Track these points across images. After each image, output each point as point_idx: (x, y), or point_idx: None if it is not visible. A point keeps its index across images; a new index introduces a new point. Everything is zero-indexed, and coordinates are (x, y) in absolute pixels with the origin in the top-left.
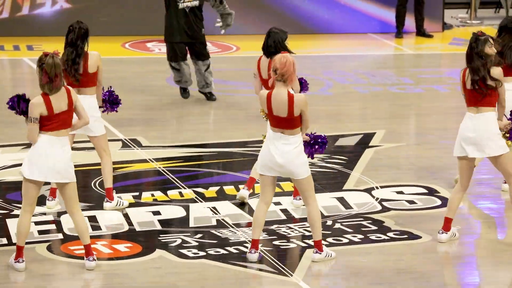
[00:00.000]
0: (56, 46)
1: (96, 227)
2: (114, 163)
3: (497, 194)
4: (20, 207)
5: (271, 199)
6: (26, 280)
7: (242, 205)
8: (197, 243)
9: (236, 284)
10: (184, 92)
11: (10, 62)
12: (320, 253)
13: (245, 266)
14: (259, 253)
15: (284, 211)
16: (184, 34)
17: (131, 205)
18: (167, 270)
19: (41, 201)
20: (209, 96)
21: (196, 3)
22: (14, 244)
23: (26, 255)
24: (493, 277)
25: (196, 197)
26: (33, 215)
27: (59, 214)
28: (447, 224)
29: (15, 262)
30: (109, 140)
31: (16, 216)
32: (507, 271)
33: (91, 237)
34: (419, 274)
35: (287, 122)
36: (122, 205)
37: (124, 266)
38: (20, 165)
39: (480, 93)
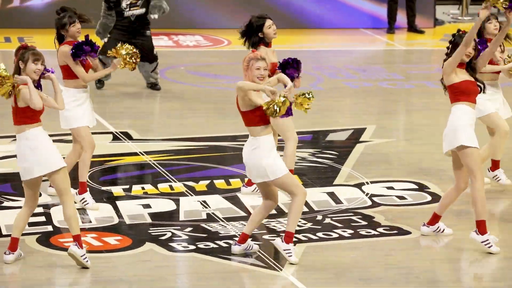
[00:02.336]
0: (47, 38)
1: (86, 220)
2: (104, 155)
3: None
4: (10, 199)
5: (271, 201)
6: (15, 272)
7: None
8: (187, 237)
9: (226, 278)
10: (99, 82)
11: (1, 54)
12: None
13: (235, 260)
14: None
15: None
16: (136, 38)
17: (121, 197)
18: (157, 263)
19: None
20: (153, 86)
21: (143, 10)
22: (4, 235)
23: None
24: (482, 272)
25: (186, 191)
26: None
27: (49, 206)
28: (433, 219)
29: (4, 253)
30: (100, 133)
31: (6, 208)
32: (496, 267)
33: (81, 229)
34: (409, 270)
35: (243, 118)
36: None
37: (114, 259)
38: (10, 156)
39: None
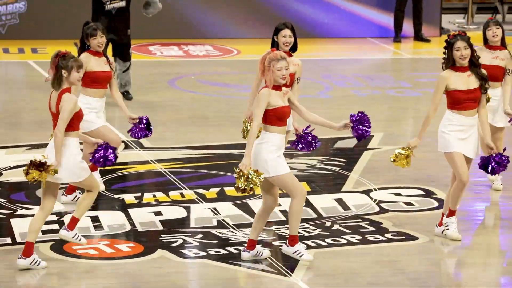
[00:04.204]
0: None
1: (98, 227)
2: (116, 164)
3: (497, 197)
4: (24, 207)
5: (270, 204)
6: (29, 280)
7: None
8: (198, 243)
9: (236, 284)
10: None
11: None
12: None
13: (245, 266)
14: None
15: (284, 212)
16: (114, 34)
17: (133, 205)
18: (168, 269)
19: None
20: (125, 95)
21: (123, 3)
22: (19, 243)
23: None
24: (489, 278)
25: (197, 198)
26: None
27: (62, 214)
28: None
29: (17, 257)
30: None
31: (20, 216)
32: (503, 273)
33: (94, 236)
34: (416, 275)
35: None
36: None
37: (126, 266)
38: (24, 165)
39: None
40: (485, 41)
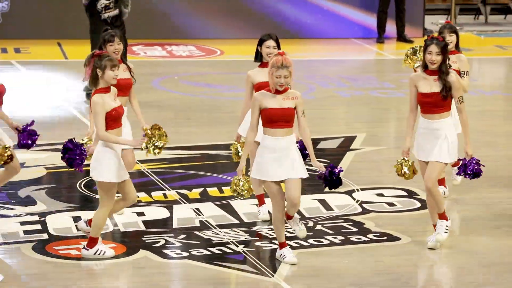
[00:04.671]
0: None
1: (81, 228)
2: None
3: (478, 197)
4: (5, 207)
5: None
6: (9, 280)
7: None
8: (180, 244)
9: (219, 284)
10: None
11: None
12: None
13: (228, 267)
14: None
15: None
16: None
17: None
18: (151, 270)
19: (27, 201)
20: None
21: (116, 11)
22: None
23: (10, 255)
24: (471, 279)
25: (179, 199)
26: (19, 215)
27: (44, 214)
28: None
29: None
30: None
31: (2, 216)
32: (486, 273)
33: (76, 237)
34: (398, 275)
35: None
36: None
37: (109, 266)
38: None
39: None
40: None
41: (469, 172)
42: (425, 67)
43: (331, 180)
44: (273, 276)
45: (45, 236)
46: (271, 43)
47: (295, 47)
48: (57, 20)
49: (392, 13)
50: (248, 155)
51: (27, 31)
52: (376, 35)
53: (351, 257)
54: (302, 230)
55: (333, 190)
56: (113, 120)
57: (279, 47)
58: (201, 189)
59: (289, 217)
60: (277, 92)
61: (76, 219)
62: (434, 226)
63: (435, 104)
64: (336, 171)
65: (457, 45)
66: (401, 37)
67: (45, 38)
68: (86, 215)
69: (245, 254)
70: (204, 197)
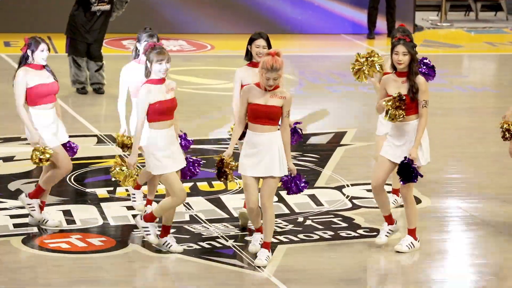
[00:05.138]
0: None
1: (70, 221)
2: (89, 158)
3: (466, 193)
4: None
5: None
6: (1, 272)
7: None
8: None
9: (208, 278)
10: (83, 89)
11: None
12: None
13: (217, 261)
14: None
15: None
16: (90, 34)
17: (105, 199)
18: (141, 264)
19: (16, 194)
20: (97, 90)
21: (107, 7)
22: None
23: (1, 248)
24: (461, 274)
25: None
26: (9, 209)
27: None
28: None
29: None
30: (85, 136)
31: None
32: (475, 268)
33: (66, 230)
34: (388, 271)
35: None
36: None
37: (98, 260)
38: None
39: None
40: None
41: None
42: (394, 68)
43: (290, 188)
44: (262, 270)
45: (35, 229)
46: (261, 42)
47: (285, 42)
48: (47, 13)
49: (383, 9)
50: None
51: (17, 24)
52: (367, 31)
53: (341, 252)
54: (254, 246)
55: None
56: (156, 113)
57: (269, 46)
58: (191, 184)
59: (258, 230)
60: (266, 89)
61: (66, 213)
62: (385, 217)
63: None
64: (301, 185)
65: None
66: (392, 33)
67: (35, 32)
68: (76, 209)
69: (234, 249)
70: (194, 192)
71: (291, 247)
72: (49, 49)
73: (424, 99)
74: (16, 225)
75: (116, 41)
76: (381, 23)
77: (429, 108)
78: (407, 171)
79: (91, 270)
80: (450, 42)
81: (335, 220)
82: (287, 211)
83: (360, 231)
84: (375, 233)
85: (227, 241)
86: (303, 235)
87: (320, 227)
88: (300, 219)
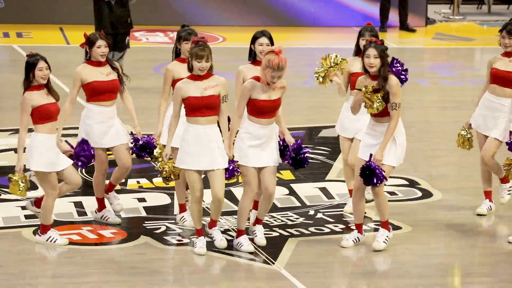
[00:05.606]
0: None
1: (82, 213)
2: None
3: (478, 187)
4: (6, 192)
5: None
6: (12, 263)
7: None
8: (181, 230)
9: (219, 271)
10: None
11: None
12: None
13: (229, 254)
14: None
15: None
16: (114, 26)
17: (116, 191)
18: (151, 256)
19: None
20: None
21: None
22: (1, 228)
23: (12, 239)
24: (473, 270)
25: None
26: (20, 200)
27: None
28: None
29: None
30: None
31: (3, 200)
32: (492, 265)
33: (77, 222)
34: (399, 265)
35: None
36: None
37: (109, 252)
38: (8, 150)
39: None
40: (359, 51)
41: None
42: (365, 71)
43: (296, 159)
44: (273, 264)
45: None
46: (264, 40)
47: (297, 35)
48: (60, 5)
49: (395, 2)
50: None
51: (29, 15)
52: (379, 24)
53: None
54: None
55: (298, 168)
56: (188, 108)
57: (272, 44)
58: (202, 176)
59: (257, 222)
60: (268, 83)
61: (77, 204)
62: (357, 225)
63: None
64: (302, 151)
65: None
66: (404, 26)
67: (48, 23)
68: (87, 200)
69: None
70: (205, 184)
71: (302, 240)
72: (108, 45)
73: (395, 101)
74: (27, 216)
75: None
76: (393, 16)
77: (440, 101)
78: (369, 174)
79: (102, 262)
80: (462, 35)
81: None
82: (298, 203)
83: (371, 224)
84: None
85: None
86: (314, 228)
87: (331, 220)
88: (311, 212)
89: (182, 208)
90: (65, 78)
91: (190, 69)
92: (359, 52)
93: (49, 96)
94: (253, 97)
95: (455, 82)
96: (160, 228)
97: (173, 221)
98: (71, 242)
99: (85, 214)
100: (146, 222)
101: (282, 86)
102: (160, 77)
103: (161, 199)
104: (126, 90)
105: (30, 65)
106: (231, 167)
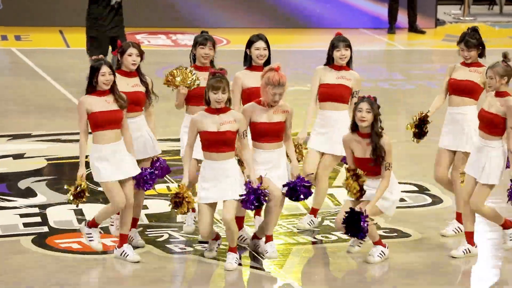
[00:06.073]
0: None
1: (82, 221)
2: None
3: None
4: (5, 199)
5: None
6: (10, 273)
7: None
8: (184, 238)
9: (223, 280)
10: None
11: None
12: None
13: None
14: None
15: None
16: (113, 29)
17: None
18: (154, 265)
19: (27, 193)
20: None
21: None
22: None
23: (10, 248)
24: (483, 275)
25: None
26: (18, 207)
27: (45, 206)
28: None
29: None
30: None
31: (2, 208)
32: (504, 271)
33: (77, 230)
34: (408, 272)
35: None
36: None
37: (111, 260)
38: (5, 156)
39: None
40: (331, 60)
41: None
42: (353, 128)
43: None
44: (279, 271)
45: (45, 229)
46: (261, 44)
47: (303, 36)
48: (59, 7)
49: (404, 3)
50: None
51: (28, 18)
52: (387, 25)
53: (359, 253)
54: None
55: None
56: (207, 144)
57: (269, 48)
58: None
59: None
60: (269, 105)
61: (77, 212)
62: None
63: (372, 168)
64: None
65: (350, 61)
66: (413, 28)
67: (47, 25)
68: (87, 207)
69: (250, 250)
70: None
71: (308, 248)
72: (140, 55)
73: (389, 161)
74: (26, 224)
75: (130, 35)
76: (402, 17)
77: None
78: (355, 225)
79: (104, 271)
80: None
81: None
82: (304, 211)
83: (380, 232)
84: (395, 234)
85: (242, 241)
86: (321, 236)
87: None
88: (318, 219)
89: None
90: (65, 82)
91: (207, 102)
92: (330, 61)
93: (112, 103)
94: (253, 120)
95: None
96: (162, 236)
97: (176, 229)
98: (71, 251)
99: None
100: (148, 230)
101: (285, 110)
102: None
103: (163, 206)
104: (151, 107)
105: (94, 70)
106: (258, 192)
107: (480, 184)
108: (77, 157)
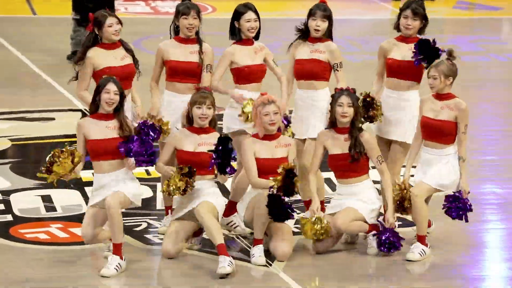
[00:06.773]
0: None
1: (50, 208)
2: (73, 136)
3: (504, 177)
4: None
5: None
6: None
7: None
8: (164, 228)
9: (206, 274)
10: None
11: None
12: None
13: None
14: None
15: None
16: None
17: (90, 183)
18: (130, 257)
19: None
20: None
21: None
22: None
23: None
24: (483, 272)
25: None
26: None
27: (9, 192)
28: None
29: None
30: (69, 111)
31: None
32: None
33: (45, 219)
34: (411, 267)
35: None
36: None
37: (82, 253)
38: None
39: None
40: (306, 33)
41: (385, 244)
42: (332, 124)
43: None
44: (270, 265)
45: (9, 217)
46: (251, 15)
47: (302, 3)
48: None
49: None
50: None
51: None
52: None
53: (357, 247)
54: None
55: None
56: (180, 163)
57: (259, 17)
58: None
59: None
60: (269, 138)
61: (45, 198)
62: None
63: (348, 167)
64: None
65: (330, 33)
66: None
67: None
68: (56, 193)
69: (238, 240)
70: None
71: (302, 238)
72: (120, 22)
73: (379, 153)
74: None
75: None
76: None
77: (462, 79)
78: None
79: (74, 265)
80: (488, 3)
81: None
82: (299, 197)
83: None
84: (399, 222)
85: (230, 232)
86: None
87: None
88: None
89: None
90: (32, 53)
91: (190, 120)
92: (306, 34)
93: (113, 130)
94: (256, 156)
95: (479, 58)
96: (140, 225)
97: (156, 217)
98: (38, 242)
99: (54, 209)
100: (124, 218)
101: (288, 143)
102: (141, 53)
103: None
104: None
105: (98, 86)
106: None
107: (420, 181)
108: (44, 138)
